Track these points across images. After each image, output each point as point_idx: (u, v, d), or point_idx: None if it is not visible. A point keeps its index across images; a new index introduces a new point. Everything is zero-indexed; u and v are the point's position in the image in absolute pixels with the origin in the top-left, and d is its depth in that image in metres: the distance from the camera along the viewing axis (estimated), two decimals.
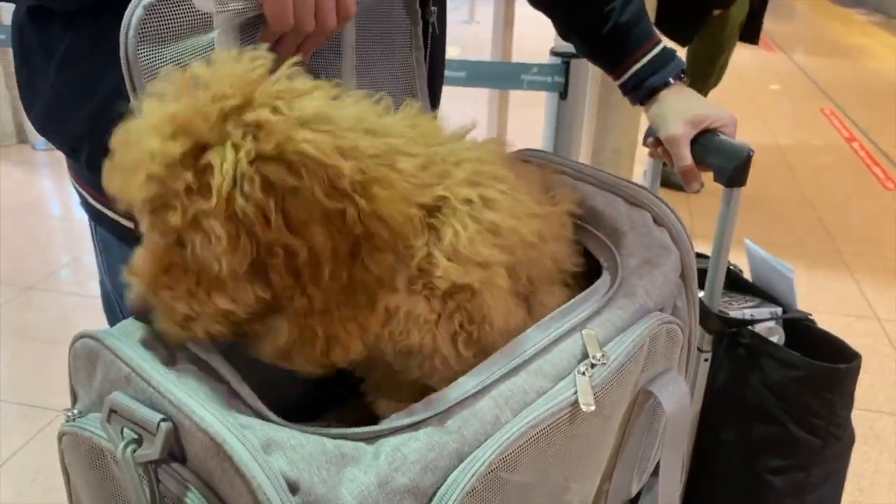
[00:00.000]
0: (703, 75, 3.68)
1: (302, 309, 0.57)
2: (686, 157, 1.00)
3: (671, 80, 1.02)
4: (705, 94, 3.69)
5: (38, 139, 3.91)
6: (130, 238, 0.86)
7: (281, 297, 0.57)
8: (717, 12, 3.49)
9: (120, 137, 0.57)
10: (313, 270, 0.56)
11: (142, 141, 0.54)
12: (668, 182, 3.12)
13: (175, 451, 0.53)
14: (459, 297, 0.63)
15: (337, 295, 0.57)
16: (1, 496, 1.74)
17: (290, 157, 0.54)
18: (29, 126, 3.92)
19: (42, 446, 1.89)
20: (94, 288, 1.01)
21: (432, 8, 0.89)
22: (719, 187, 1.03)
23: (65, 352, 0.64)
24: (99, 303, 1.02)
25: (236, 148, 0.53)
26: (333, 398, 0.98)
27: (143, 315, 0.60)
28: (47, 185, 3.74)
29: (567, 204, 0.80)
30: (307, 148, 0.54)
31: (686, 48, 3.63)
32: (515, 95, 3.07)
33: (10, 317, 2.47)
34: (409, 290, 0.62)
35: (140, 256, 0.59)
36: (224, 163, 0.53)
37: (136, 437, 0.53)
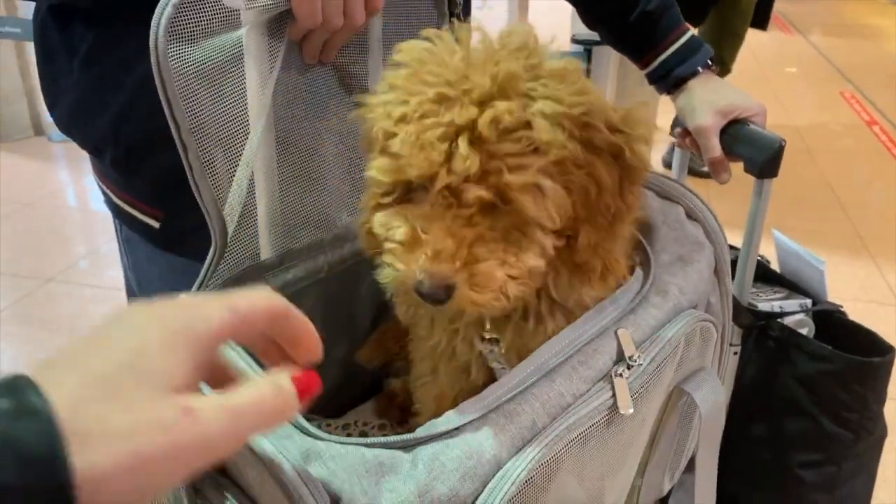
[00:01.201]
0: (721, 62, 3.62)
1: (585, 245, 0.60)
2: (715, 147, 0.98)
3: (699, 70, 1.00)
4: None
5: (54, 131, 3.92)
6: (156, 237, 0.86)
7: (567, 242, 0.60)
8: None
9: (401, 115, 0.56)
10: (597, 206, 0.59)
11: (454, 112, 0.54)
12: (689, 170, 3.08)
13: None
14: None
15: (608, 229, 0.61)
16: None
17: (585, 102, 0.56)
18: (45, 118, 3.93)
19: None
20: (113, 279, 1.01)
21: (458, 0, 0.87)
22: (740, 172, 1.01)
23: None
24: (118, 294, 1.02)
25: (555, 100, 0.55)
26: (354, 396, 0.97)
27: (439, 297, 0.55)
28: (64, 177, 3.75)
29: None
30: (593, 88, 0.58)
31: (698, 32, 3.58)
32: None
33: (30, 309, 2.48)
34: None
35: (442, 248, 0.55)
36: (551, 117, 0.54)
37: None
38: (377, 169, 0.58)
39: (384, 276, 0.59)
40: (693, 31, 1.03)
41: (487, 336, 0.69)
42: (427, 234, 0.55)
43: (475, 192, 0.54)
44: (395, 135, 0.56)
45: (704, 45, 1.01)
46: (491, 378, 0.76)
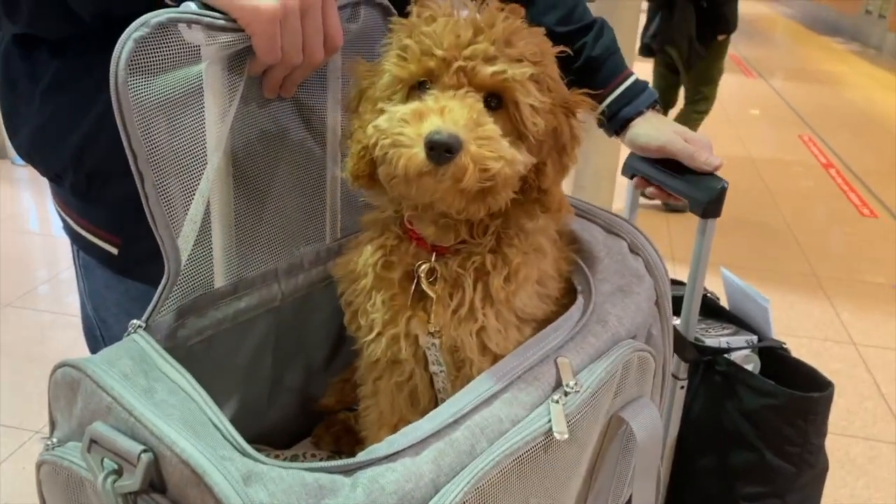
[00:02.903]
0: (706, 99, 3.85)
1: (551, 173, 0.72)
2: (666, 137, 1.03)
3: (644, 110, 1.04)
4: (705, 116, 3.90)
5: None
6: (113, 263, 0.87)
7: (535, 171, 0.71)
8: (721, 37, 3.72)
9: (430, 16, 0.68)
10: (556, 146, 0.72)
11: (476, 23, 0.67)
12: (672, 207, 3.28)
13: (155, 482, 0.53)
14: None
15: (560, 172, 0.74)
16: None
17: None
18: (8, 142, 3.89)
19: (15, 468, 1.87)
20: (73, 305, 1.01)
21: None
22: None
23: (41, 371, 0.64)
24: (76, 321, 1.02)
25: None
26: (308, 426, 0.98)
27: (443, 151, 0.61)
28: (26, 201, 3.71)
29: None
30: None
31: (685, 80, 3.86)
32: None
33: None
34: None
35: (452, 108, 0.64)
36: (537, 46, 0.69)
37: (116, 467, 0.53)
38: (399, 54, 0.67)
39: (394, 157, 0.64)
40: (635, 78, 1.07)
41: (432, 329, 0.73)
42: (437, 104, 0.64)
43: (490, 69, 0.65)
44: (422, 31, 0.67)
45: (648, 87, 1.06)
46: (431, 399, 0.78)
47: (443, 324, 0.73)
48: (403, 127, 0.64)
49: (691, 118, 3.87)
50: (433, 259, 0.73)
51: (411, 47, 0.67)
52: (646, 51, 3.89)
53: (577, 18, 1.04)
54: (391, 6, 0.85)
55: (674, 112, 4.02)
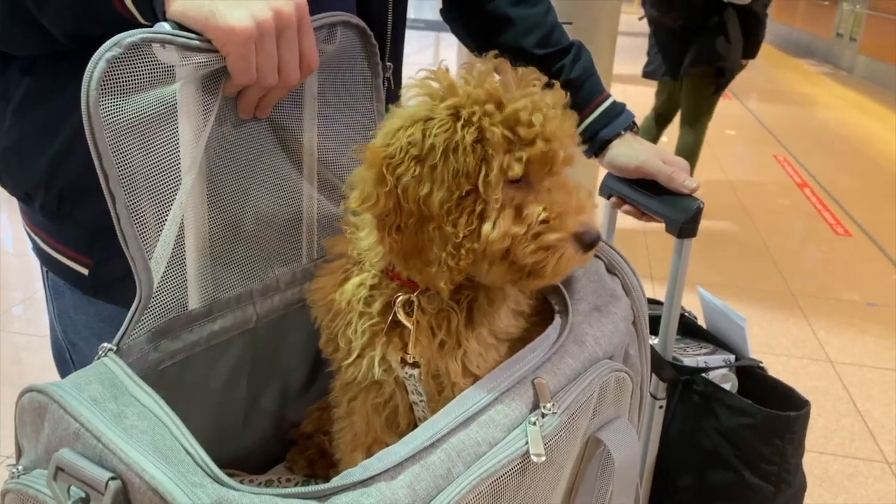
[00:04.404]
0: (707, 115, 3.91)
1: None
2: (645, 158, 1.04)
3: (622, 132, 1.05)
4: (705, 131, 3.97)
5: None
6: (84, 285, 0.85)
7: None
8: (744, 62, 3.92)
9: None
10: None
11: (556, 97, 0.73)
12: None
13: None
14: None
15: None
16: None
17: None
18: None
19: None
20: (48, 327, 0.99)
21: (388, 64, 0.91)
22: None
23: (16, 394, 0.62)
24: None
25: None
26: (283, 450, 0.97)
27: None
28: (3, 221, 3.66)
29: None
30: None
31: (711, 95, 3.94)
32: None
33: None
34: None
35: (583, 201, 0.70)
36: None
37: (83, 496, 0.52)
38: (523, 155, 0.66)
39: (547, 261, 0.67)
40: (613, 100, 1.08)
41: (410, 360, 0.72)
42: (565, 203, 0.67)
43: (576, 150, 0.72)
44: (531, 123, 0.67)
45: (626, 109, 1.07)
46: (411, 422, 0.77)
47: (426, 354, 0.72)
48: (552, 231, 0.66)
49: (702, 135, 3.92)
50: (416, 294, 0.73)
51: (512, 139, 0.66)
52: (663, 73, 3.77)
53: (556, 41, 1.05)
54: (367, 28, 0.85)
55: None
